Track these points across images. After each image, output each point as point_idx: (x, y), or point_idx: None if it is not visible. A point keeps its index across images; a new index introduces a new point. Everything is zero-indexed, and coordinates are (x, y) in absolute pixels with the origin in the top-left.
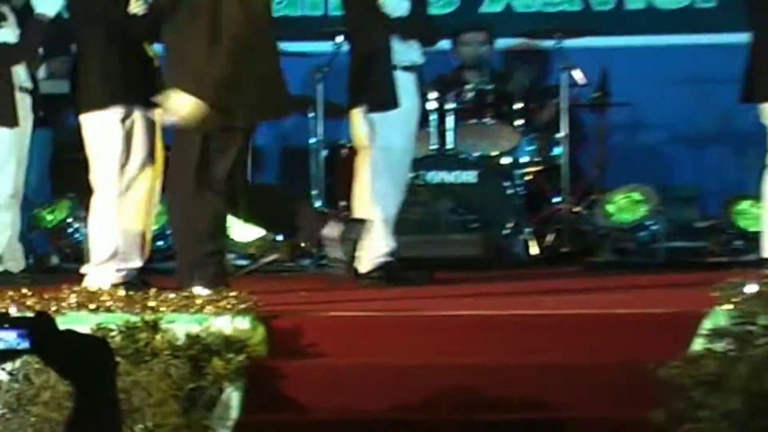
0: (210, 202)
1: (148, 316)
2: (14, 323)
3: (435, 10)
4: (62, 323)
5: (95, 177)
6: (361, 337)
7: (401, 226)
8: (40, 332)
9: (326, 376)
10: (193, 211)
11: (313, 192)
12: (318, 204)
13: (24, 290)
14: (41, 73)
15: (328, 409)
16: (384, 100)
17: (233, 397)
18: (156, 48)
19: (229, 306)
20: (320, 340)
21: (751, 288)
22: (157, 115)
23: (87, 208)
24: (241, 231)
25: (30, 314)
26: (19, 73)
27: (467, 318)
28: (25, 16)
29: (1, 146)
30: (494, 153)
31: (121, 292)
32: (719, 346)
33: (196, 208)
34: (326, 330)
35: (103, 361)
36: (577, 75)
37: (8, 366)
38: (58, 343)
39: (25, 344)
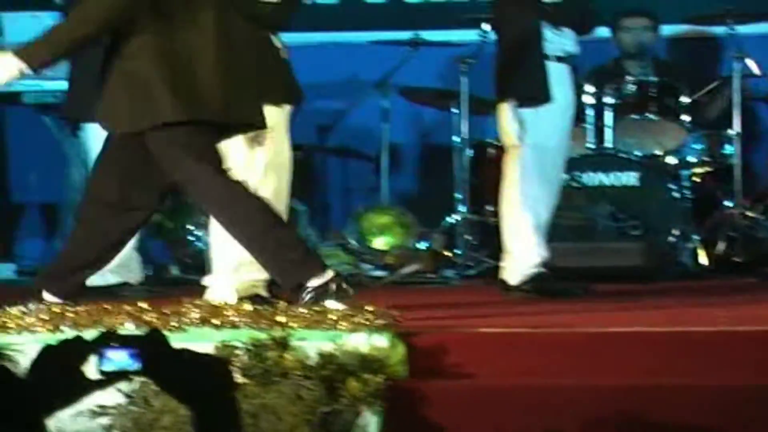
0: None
1: (277, 333)
2: (125, 342)
3: None
4: (183, 340)
5: None
6: (509, 355)
7: (554, 232)
8: (152, 352)
9: (472, 399)
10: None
11: (457, 195)
12: (463, 208)
13: (142, 304)
14: None
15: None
16: (535, 93)
17: (371, 421)
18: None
19: (365, 322)
20: (465, 359)
21: None
22: (284, 113)
23: (209, 215)
24: (379, 239)
25: (142, 332)
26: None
27: (627, 335)
28: None
29: None
30: (658, 152)
31: (248, 307)
32: None
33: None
34: (472, 348)
35: (223, 384)
36: (752, 65)
37: (125, 387)
38: (172, 363)
39: (136, 365)
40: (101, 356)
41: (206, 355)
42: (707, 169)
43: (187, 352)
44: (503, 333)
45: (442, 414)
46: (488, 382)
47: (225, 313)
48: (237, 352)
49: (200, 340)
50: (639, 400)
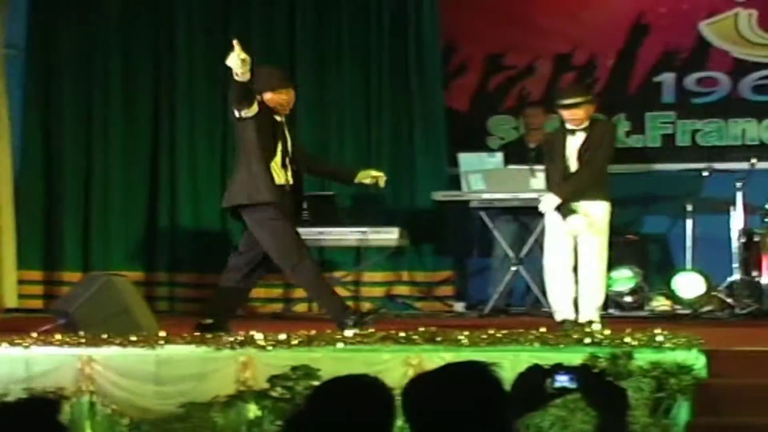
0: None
1: (626, 349)
2: (567, 370)
3: None
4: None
5: None
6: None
7: None
8: (584, 377)
9: (749, 394)
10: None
11: (734, 264)
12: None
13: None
14: None
15: (752, 419)
16: None
17: (684, 406)
18: None
19: (680, 342)
20: (742, 369)
21: None
22: None
23: None
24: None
25: (577, 364)
26: None
27: None
28: None
29: None
30: None
31: (607, 331)
32: None
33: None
34: (749, 360)
35: (623, 397)
36: None
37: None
38: (597, 385)
39: (575, 386)
40: (553, 378)
41: (615, 386)
42: None
43: (608, 381)
44: (762, 350)
45: (732, 403)
46: (752, 383)
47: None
48: (600, 361)
49: (573, 353)
50: None
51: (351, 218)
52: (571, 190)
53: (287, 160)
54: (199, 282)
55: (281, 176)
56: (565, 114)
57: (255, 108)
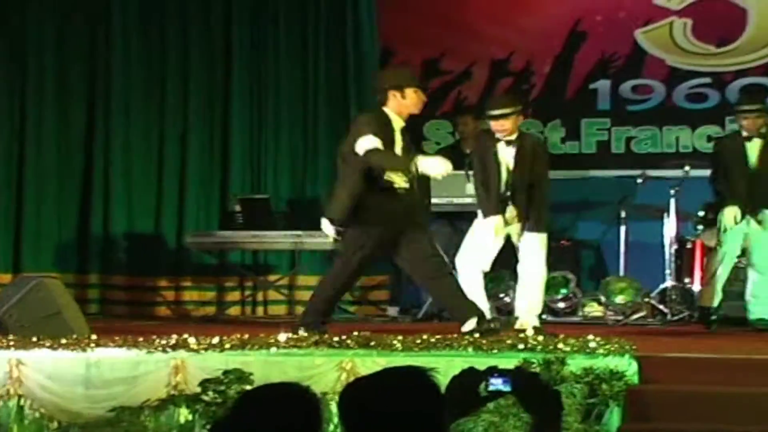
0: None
1: (559, 355)
2: (501, 372)
3: None
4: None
5: None
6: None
7: None
8: (519, 379)
9: (680, 400)
10: None
11: (666, 271)
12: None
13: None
14: None
15: (682, 425)
16: None
17: (615, 412)
18: None
19: (613, 348)
20: (674, 375)
21: None
22: None
23: None
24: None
25: (512, 366)
26: None
27: None
28: None
29: None
30: None
31: (540, 336)
32: None
33: None
34: (677, 367)
35: (557, 398)
36: None
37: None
38: (531, 387)
39: (508, 388)
40: (487, 381)
41: (544, 385)
42: None
43: (540, 380)
44: (693, 357)
45: (660, 408)
46: (689, 389)
47: (526, 340)
48: (533, 366)
49: (506, 359)
50: None
51: (286, 222)
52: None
53: None
54: (131, 284)
55: None
56: (494, 124)
57: None
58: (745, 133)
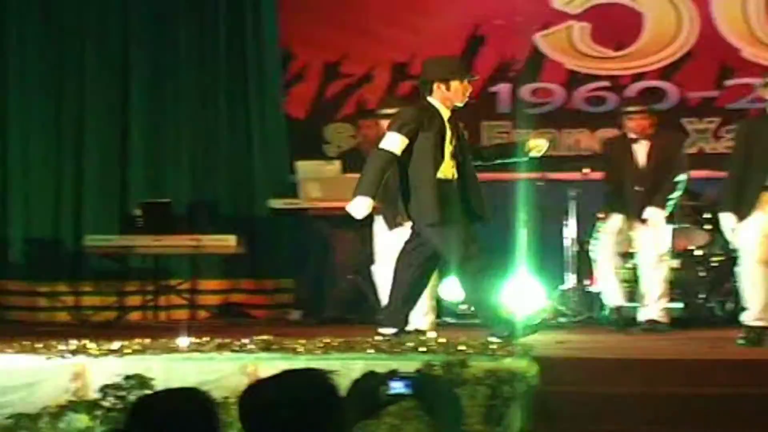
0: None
1: (460, 357)
2: (402, 376)
3: None
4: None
5: None
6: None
7: None
8: (420, 383)
9: (581, 403)
10: None
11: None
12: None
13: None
14: None
15: (584, 426)
16: None
17: (517, 413)
18: None
19: (514, 350)
20: (575, 375)
21: None
22: None
23: None
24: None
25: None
26: None
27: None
28: None
29: None
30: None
31: (441, 339)
32: None
33: None
34: (578, 367)
35: (456, 399)
36: None
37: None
38: (431, 390)
39: (409, 391)
40: (388, 384)
41: (448, 389)
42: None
43: (440, 383)
44: (594, 358)
45: (562, 409)
46: (591, 390)
47: (427, 343)
48: (435, 368)
49: (408, 361)
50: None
51: (187, 225)
52: None
53: None
54: (29, 290)
55: None
56: (383, 123)
57: None
58: (632, 135)
